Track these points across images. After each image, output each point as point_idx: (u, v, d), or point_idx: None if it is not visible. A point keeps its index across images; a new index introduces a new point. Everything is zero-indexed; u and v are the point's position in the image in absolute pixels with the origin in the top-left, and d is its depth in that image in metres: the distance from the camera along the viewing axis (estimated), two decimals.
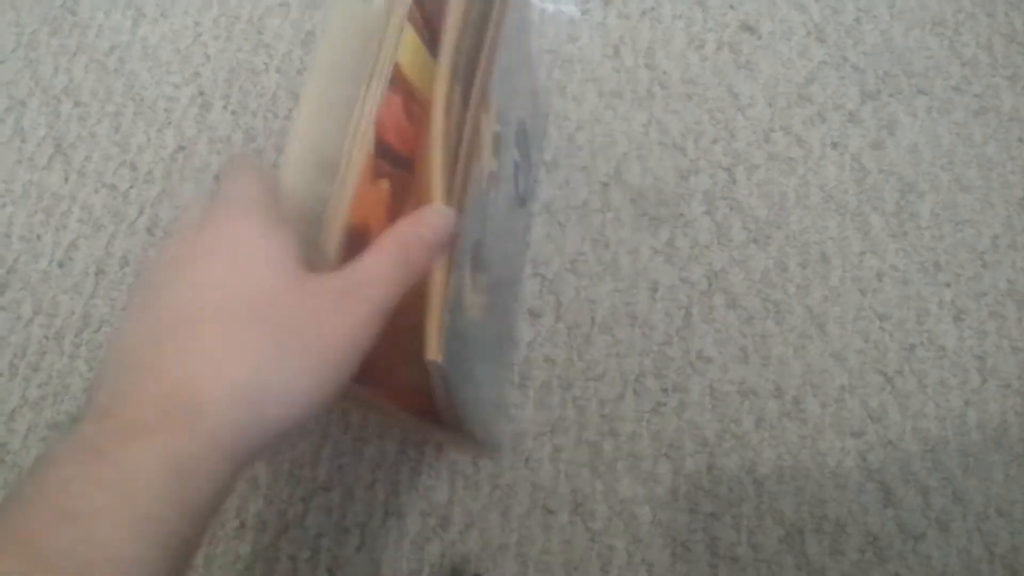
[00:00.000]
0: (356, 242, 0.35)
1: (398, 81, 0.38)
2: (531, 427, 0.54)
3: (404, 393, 0.40)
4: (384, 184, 0.38)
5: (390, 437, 0.54)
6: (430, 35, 0.41)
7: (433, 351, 0.34)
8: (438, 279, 0.35)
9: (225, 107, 0.64)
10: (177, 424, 0.28)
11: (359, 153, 0.36)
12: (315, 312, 0.31)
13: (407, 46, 0.39)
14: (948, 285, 0.57)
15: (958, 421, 0.53)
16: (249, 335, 0.30)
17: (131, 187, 0.62)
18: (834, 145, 0.61)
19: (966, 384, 0.54)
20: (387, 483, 0.53)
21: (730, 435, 0.53)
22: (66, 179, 0.62)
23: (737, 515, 0.52)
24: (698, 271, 0.58)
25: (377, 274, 0.33)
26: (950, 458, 0.52)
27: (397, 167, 0.38)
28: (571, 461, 0.53)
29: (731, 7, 0.66)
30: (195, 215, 0.34)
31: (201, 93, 0.65)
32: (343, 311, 0.32)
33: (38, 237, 0.60)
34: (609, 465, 0.53)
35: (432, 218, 0.36)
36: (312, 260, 0.33)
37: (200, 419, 0.28)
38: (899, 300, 0.57)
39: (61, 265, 0.60)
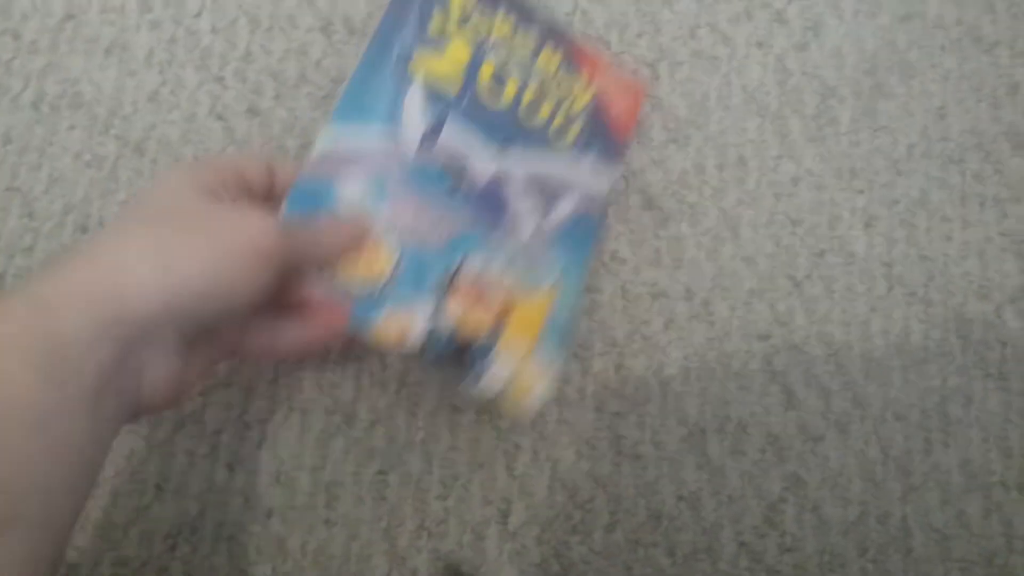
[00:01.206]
0: None
1: None
2: None
3: None
4: None
5: None
6: None
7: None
8: None
9: None
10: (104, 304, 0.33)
11: None
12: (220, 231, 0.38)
13: None
14: (862, 192, 0.57)
15: (862, 327, 0.54)
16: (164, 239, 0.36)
17: (14, 58, 0.57)
18: (759, 45, 0.60)
19: (872, 291, 0.55)
20: (291, 379, 0.52)
21: (639, 336, 0.53)
22: None
23: (642, 414, 0.52)
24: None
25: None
26: (852, 363, 0.53)
27: None
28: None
29: None
30: None
31: None
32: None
33: None
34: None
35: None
36: None
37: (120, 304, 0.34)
38: (813, 205, 0.56)
39: None
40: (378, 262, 0.44)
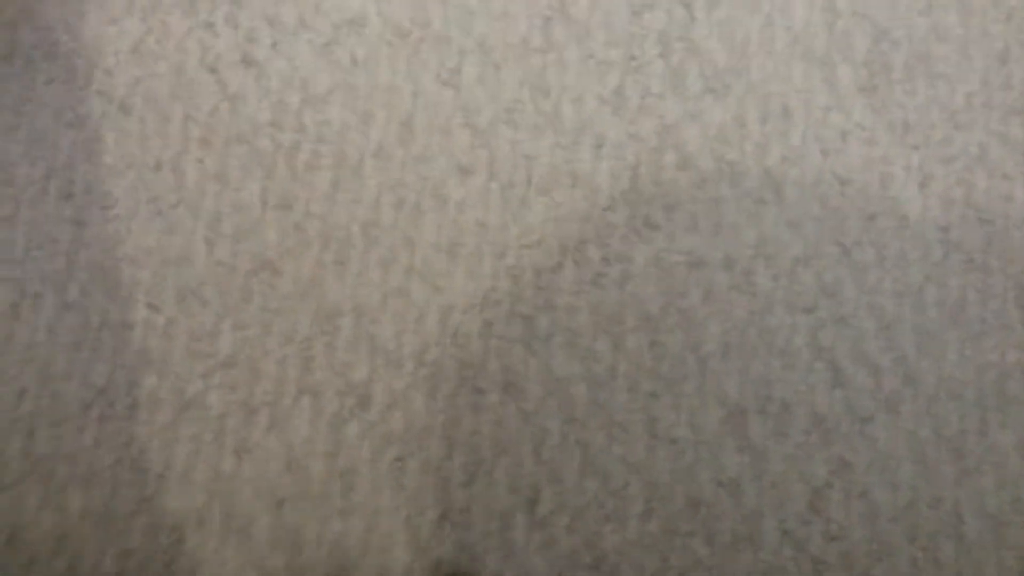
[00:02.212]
0: None
1: None
2: (459, 299, 0.49)
3: None
4: None
5: (303, 310, 0.48)
6: None
7: None
8: None
9: None
10: None
11: None
12: None
13: None
14: (916, 148, 0.52)
15: (916, 297, 0.50)
16: None
17: None
18: None
19: (927, 257, 0.51)
20: (299, 359, 0.48)
21: (675, 309, 0.49)
22: None
23: (678, 394, 0.48)
24: (648, 125, 0.52)
25: None
26: (904, 336, 0.50)
27: None
28: (503, 336, 0.49)
29: None
30: None
31: None
32: None
33: None
34: (544, 341, 0.49)
35: None
36: None
37: None
38: (863, 163, 0.52)
39: None
40: None
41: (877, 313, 0.50)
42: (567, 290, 0.49)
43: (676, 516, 0.47)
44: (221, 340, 0.48)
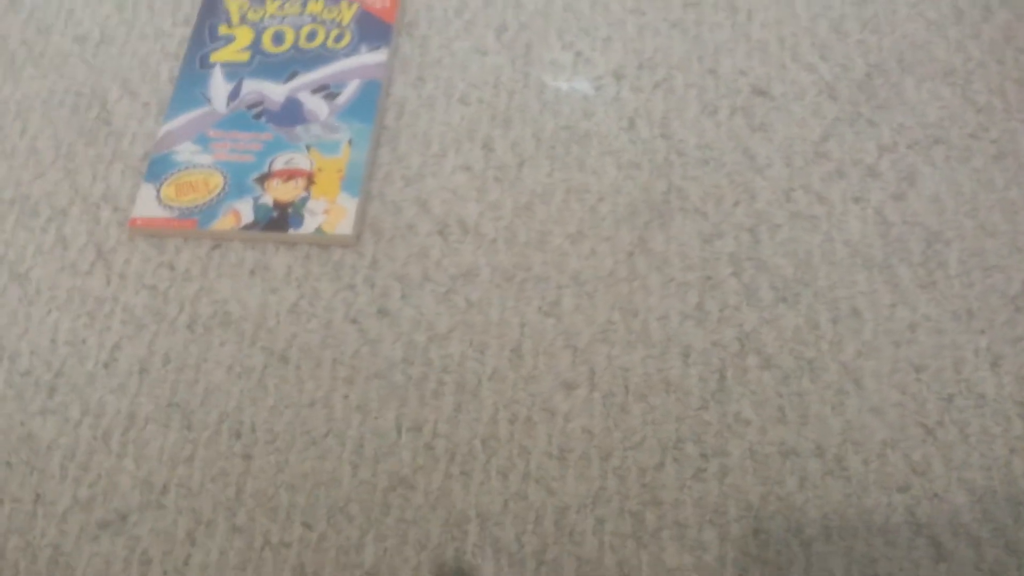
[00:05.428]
0: None
1: None
2: (572, 500, 0.54)
3: None
4: None
5: (434, 519, 0.54)
6: None
7: None
8: None
9: None
10: None
11: None
12: None
13: None
14: (982, 332, 0.57)
15: (1004, 470, 0.53)
16: None
17: (170, 286, 0.64)
18: (855, 200, 0.62)
19: (1009, 431, 0.54)
20: (432, 565, 0.53)
21: (774, 497, 0.53)
22: (108, 282, 0.65)
23: None
24: (729, 333, 0.58)
25: None
26: (999, 508, 0.52)
27: None
28: (615, 532, 0.53)
29: (742, 73, 0.67)
30: None
31: None
32: None
33: (83, 341, 0.62)
34: (654, 535, 0.53)
35: None
36: None
37: None
38: (934, 350, 0.56)
39: (106, 366, 0.61)
40: (211, 187, 0.66)
41: (968, 487, 0.52)
42: (671, 485, 0.54)
43: None
44: (365, 552, 0.54)
